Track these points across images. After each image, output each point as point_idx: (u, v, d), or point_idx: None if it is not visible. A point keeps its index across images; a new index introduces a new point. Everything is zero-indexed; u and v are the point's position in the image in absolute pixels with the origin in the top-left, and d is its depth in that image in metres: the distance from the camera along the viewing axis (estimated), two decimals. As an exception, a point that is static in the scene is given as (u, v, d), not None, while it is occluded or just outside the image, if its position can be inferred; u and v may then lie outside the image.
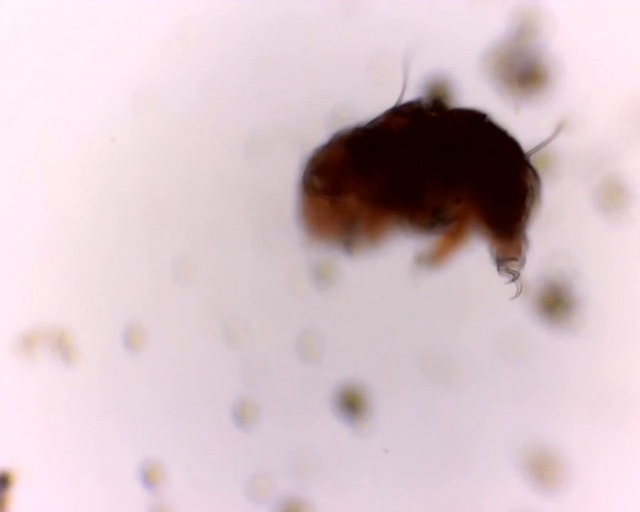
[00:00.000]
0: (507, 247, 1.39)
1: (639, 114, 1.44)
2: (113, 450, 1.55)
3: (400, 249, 1.47)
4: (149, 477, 1.54)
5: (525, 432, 1.47)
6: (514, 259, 1.39)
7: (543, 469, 1.47)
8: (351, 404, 1.51)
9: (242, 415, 1.53)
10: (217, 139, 1.52)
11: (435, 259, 1.44)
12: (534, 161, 1.40)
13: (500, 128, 1.38)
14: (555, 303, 1.46)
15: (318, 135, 1.44)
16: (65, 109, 1.55)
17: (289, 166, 1.47)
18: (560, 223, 1.46)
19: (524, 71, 1.45)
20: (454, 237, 1.41)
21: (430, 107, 1.39)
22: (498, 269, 1.40)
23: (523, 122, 1.41)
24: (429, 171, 1.37)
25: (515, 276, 1.39)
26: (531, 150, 1.39)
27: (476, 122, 1.38)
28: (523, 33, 1.44)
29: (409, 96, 1.41)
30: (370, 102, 1.43)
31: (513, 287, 1.42)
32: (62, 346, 1.55)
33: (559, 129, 1.39)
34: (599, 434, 1.45)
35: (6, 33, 1.55)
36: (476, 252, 1.46)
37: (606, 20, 1.44)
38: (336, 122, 1.46)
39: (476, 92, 1.43)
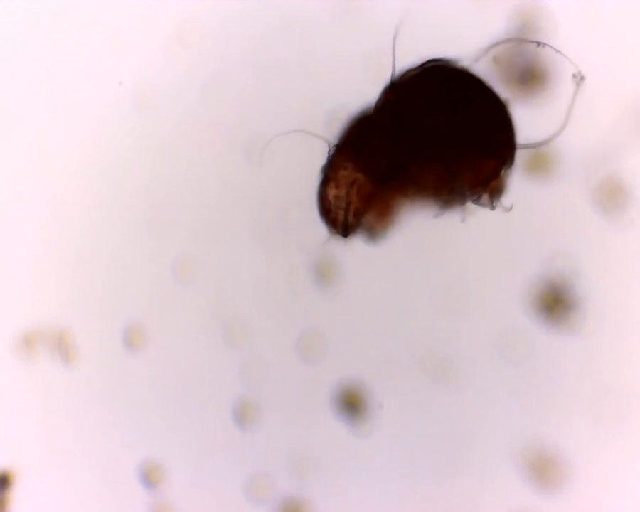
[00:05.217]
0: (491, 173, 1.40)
1: (639, 114, 1.44)
2: (113, 450, 1.55)
3: (400, 249, 1.47)
4: (149, 477, 1.54)
5: (524, 432, 1.47)
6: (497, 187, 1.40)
7: (543, 469, 1.47)
8: (351, 404, 1.51)
9: (242, 415, 1.53)
10: (218, 139, 1.52)
11: (376, 226, 1.44)
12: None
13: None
14: (555, 303, 1.46)
15: (318, 135, 1.45)
16: (65, 110, 1.55)
17: (289, 166, 1.47)
18: (560, 223, 1.46)
19: (524, 71, 1.45)
20: (389, 202, 1.42)
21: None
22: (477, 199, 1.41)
23: (522, 123, 1.41)
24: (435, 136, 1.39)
25: (493, 202, 1.40)
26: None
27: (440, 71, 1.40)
28: (523, 33, 1.44)
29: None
30: (370, 102, 1.44)
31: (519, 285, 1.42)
32: (62, 346, 1.55)
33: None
34: (598, 434, 1.45)
35: (6, 33, 1.55)
36: (476, 252, 1.47)
37: (606, 21, 1.44)
38: (336, 123, 1.46)
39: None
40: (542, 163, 1.44)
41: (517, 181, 1.44)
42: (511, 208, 1.40)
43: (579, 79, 1.36)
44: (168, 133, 1.53)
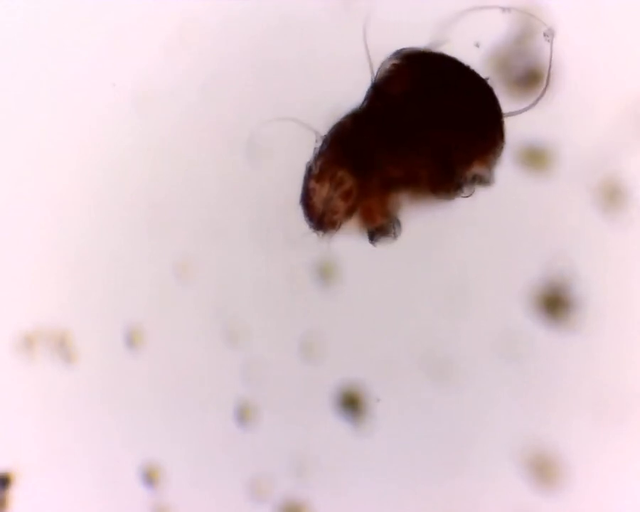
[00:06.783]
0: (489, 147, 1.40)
1: (639, 114, 1.44)
2: (113, 450, 1.55)
3: (399, 249, 1.47)
4: (149, 477, 1.54)
5: (524, 432, 1.47)
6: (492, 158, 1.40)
7: (543, 469, 1.47)
8: (351, 404, 1.51)
9: (243, 415, 1.53)
10: (218, 139, 1.52)
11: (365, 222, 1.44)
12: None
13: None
14: (555, 303, 1.46)
15: (318, 135, 1.45)
16: (65, 110, 1.55)
17: (289, 167, 1.47)
18: (559, 223, 1.46)
19: (524, 72, 1.45)
20: (379, 197, 1.42)
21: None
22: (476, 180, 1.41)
23: (522, 123, 1.41)
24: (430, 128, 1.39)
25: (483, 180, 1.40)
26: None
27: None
28: (523, 35, 1.44)
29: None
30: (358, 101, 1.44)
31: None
32: (62, 346, 1.55)
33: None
34: (598, 434, 1.45)
35: (6, 33, 1.55)
36: (476, 252, 1.47)
37: (606, 21, 1.44)
38: (334, 122, 1.46)
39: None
40: (541, 162, 1.45)
41: (517, 181, 1.44)
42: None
43: (550, 36, 1.36)
44: (168, 133, 1.53)
